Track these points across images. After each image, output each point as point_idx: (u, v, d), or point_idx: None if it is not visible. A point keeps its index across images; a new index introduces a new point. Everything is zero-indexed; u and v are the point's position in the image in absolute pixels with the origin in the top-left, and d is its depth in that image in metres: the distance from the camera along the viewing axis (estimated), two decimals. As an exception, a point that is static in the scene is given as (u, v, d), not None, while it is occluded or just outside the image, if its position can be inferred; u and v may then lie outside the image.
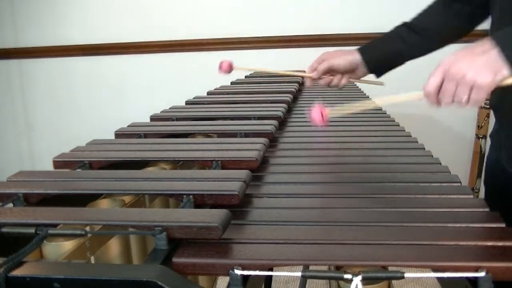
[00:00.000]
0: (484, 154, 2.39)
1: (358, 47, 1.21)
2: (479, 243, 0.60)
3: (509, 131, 0.99)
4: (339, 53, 1.21)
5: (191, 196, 0.73)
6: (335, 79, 1.22)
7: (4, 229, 0.61)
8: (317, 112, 0.88)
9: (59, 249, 0.65)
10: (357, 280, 0.53)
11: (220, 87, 1.92)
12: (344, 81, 1.22)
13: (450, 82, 0.73)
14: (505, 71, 0.71)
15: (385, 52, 1.12)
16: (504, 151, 0.98)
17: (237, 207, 0.73)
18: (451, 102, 0.74)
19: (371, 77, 1.27)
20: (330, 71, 1.21)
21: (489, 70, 0.71)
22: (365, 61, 1.18)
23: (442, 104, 0.76)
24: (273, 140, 1.14)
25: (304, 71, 1.29)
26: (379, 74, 1.21)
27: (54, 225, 0.64)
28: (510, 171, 0.96)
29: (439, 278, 0.57)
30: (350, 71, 1.20)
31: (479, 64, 0.71)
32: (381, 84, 1.23)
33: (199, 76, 2.70)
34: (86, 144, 1.09)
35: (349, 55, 1.19)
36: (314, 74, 1.22)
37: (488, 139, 2.46)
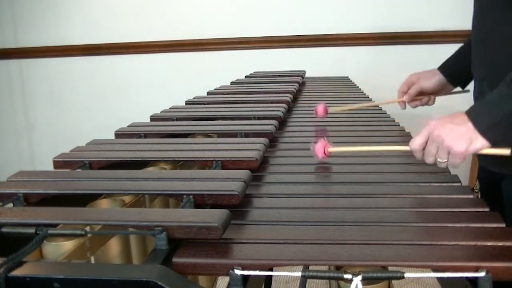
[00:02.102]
0: (484, 154, 2.39)
1: (439, 66, 1.26)
2: (479, 243, 0.60)
3: None
4: (426, 75, 1.26)
5: (191, 196, 0.73)
6: (424, 100, 1.29)
7: (4, 229, 0.61)
8: (320, 147, 0.94)
9: (59, 249, 0.65)
10: (357, 280, 0.53)
11: (220, 87, 1.92)
12: (431, 101, 1.30)
13: (432, 144, 0.81)
14: (478, 142, 0.78)
15: (464, 64, 1.15)
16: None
17: (237, 207, 0.73)
18: (433, 161, 0.82)
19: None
20: (421, 93, 1.27)
21: (464, 139, 0.78)
22: (449, 78, 1.23)
23: (426, 161, 0.83)
24: (273, 140, 1.14)
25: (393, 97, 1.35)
26: (464, 85, 1.25)
27: (54, 225, 0.64)
28: (493, 170, 1.02)
29: (439, 278, 0.57)
30: (439, 91, 1.26)
31: (456, 133, 0.79)
32: (468, 91, 1.26)
33: (199, 76, 2.70)
34: (86, 144, 1.09)
35: (436, 76, 1.24)
36: (405, 98, 1.29)
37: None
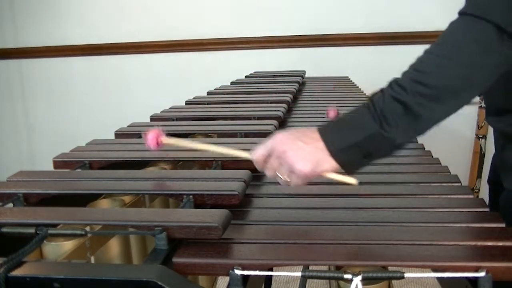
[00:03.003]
0: (484, 154, 2.39)
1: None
2: (479, 243, 0.60)
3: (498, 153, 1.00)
4: None
5: (191, 196, 0.73)
6: None
7: (4, 229, 0.61)
8: (152, 137, 0.86)
9: (59, 249, 0.65)
10: (357, 280, 0.53)
11: (220, 87, 1.92)
12: None
13: (275, 159, 0.74)
14: (326, 165, 0.71)
15: None
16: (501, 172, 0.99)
17: (237, 207, 0.73)
18: (274, 176, 0.75)
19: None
20: None
21: (310, 160, 0.71)
22: None
23: (267, 174, 0.76)
24: (273, 140, 1.14)
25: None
26: None
27: (54, 225, 0.64)
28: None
29: (439, 278, 0.57)
30: None
31: (303, 152, 0.71)
32: None
33: (199, 76, 2.70)
34: (86, 144, 1.09)
35: None
36: None
37: (488, 139, 2.46)
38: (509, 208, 0.89)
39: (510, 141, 0.88)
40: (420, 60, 0.71)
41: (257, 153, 0.75)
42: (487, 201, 0.77)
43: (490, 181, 1.13)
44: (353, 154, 0.71)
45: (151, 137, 0.84)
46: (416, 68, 0.71)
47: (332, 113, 1.26)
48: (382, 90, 0.71)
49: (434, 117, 0.70)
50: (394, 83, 0.70)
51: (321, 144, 0.71)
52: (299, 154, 0.71)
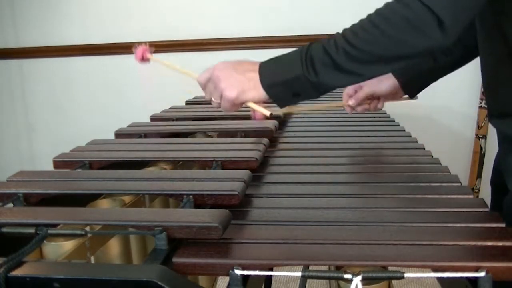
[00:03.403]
0: (484, 154, 2.39)
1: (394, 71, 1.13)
2: (479, 243, 0.60)
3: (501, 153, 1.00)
4: (378, 78, 1.08)
5: (191, 196, 0.73)
6: (373, 104, 1.15)
7: (4, 229, 0.61)
8: (139, 52, 1.00)
9: (59, 249, 0.65)
10: (357, 280, 0.53)
11: (220, 87, 1.92)
12: (381, 105, 1.16)
13: (210, 83, 0.84)
14: (252, 94, 0.81)
15: (418, 72, 1.07)
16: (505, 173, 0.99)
17: (237, 207, 0.73)
18: (209, 99, 0.86)
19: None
20: (370, 97, 1.14)
21: (238, 88, 0.81)
22: (402, 84, 1.12)
23: (206, 97, 0.87)
24: (273, 140, 1.14)
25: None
26: (413, 94, 1.14)
27: (54, 225, 0.64)
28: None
29: (439, 278, 0.57)
30: (390, 96, 1.14)
31: (233, 79, 0.82)
32: (416, 99, 1.16)
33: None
34: (86, 144, 1.09)
35: (390, 80, 1.12)
36: (351, 102, 1.14)
37: (488, 139, 2.45)
38: None
39: None
40: (358, 24, 0.80)
41: (201, 76, 0.86)
42: (488, 203, 0.77)
43: (492, 183, 1.13)
44: (281, 91, 0.80)
45: (138, 51, 0.95)
46: (352, 29, 0.80)
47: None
48: (321, 41, 0.81)
49: (356, 73, 0.78)
50: (332, 38, 0.80)
51: (255, 76, 0.81)
52: (229, 81, 0.82)
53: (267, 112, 0.84)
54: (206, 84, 0.85)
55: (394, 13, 0.75)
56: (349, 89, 1.14)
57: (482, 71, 0.93)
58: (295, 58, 0.79)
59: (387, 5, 0.77)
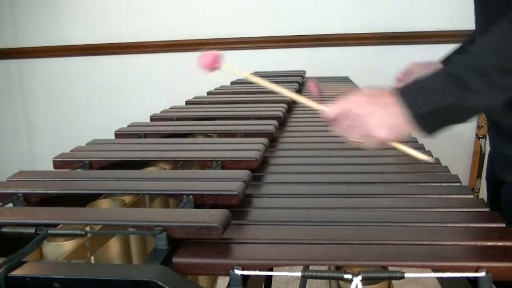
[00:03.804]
0: (484, 154, 2.39)
1: (442, 60, 1.19)
2: (479, 243, 0.60)
3: (492, 144, 1.01)
4: (427, 66, 1.15)
5: (191, 196, 0.73)
6: None
7: (4, 229, 0.61)
8: (210, 59, 0.82)
9: (59, 249, 0.65)
10: (357, 280, 0.53)
11: (220, 87, 1.92)
12: None
13: (349, 120, 0.74)
14: (402, 130, 0.72)
15: None
16: (495, 162, 0.99)
17: (237, 207, 0.73)
18: (343, 135, 0.76)
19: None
20: None
21: (387, 126, 0.72)
22: None
23: (336, 132, 0.77)
24: (273, 140, 1.14)
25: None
26: None
27: (54, 225, 0.64)
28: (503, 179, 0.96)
29: (439, 278, 0.57)
30: None
31: (379, 117, 0.72)
32: None
33: (199, 76, 2.70)
34: (86, 144, 1.09)
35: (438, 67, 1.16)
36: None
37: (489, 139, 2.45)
38: None
39: None
40: (499, 37, 0.72)
41: (330, 111, 0.76)
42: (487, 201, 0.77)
43: (488, 178, 1.13)
44: (433, 119, 0.72)
45: (208, 58, 0.82)
46: (496, 43, 0.71)
47: (313, 86, 1.20)
48: (458, 59, 0.73)
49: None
50: (468, 57, 0.72)
51: (398, 109, 0.72)
52: (375, 120, 0.72)
53: (424, 157, 0.75)
54: (339, 120, 0.75)
55: None
56: (400, 74, 1.19)
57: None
58: (442, 84, 0.72)
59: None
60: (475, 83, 0.69)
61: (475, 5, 0.99)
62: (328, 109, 0.76)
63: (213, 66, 0.79)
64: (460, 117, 0.73)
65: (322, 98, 0.85)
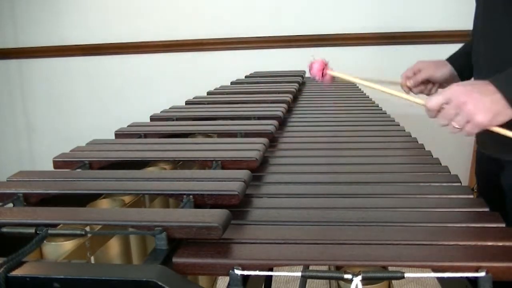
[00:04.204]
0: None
1: (448, 58, 1.24)
2: (479, 243, 0.60)
3: None
4: (436, 64, 1.23)
5: (191, 196, 0.72)
6: (428, 89, 1.25)
7: (4, 229, 0.61)
8: (319, 67, 0.89)
9: (59, 249, 0.65)
10: (357, 280, 0.53)
11: (220, 87, 1.92)
12: (434, 90, 1.25)
13: (452, 108, 0.79)
14: (504, 116, 0.77)
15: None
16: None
17: (237, 207, 0.73)
18: (447, 124, 0.80)
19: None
20: (426, 82, 1.24)
21: (490, 111, 0.76)
22: (458, 71, 1.21)
23: (440, 122, 0.81)
24: (273, 140, 1.14)
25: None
26: (469, 78, 1.22)
27: (54, 225, 0.63)
28: (482, 151, 1.03)
29: (439, 278, 0.57)
30: (446, 82, 1.22)
31: (483, 103, 0.76)
32: None
33: (199, 76, 2.70)
34: (86, 144, 1.09)
35: (447, 67, 1.22)
36: (410, 83, 1.25)
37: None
38: None
39: None
40: None
41: (433, 101, 0.81)
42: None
43: (478, 174, 1.15)
44: None
45: (317, 66, 0.87)
46: None
47: (317, 65, 1.15)
48: None
49: None
50: None
51: (498, 96, 0.76)
52: (479, 105, 0.76)
53: None
54: (442, 110, 0.80)
55: None
56: (408, 72, 1.24)
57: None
58: None
59: None
60: None
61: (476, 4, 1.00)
62: (431, 100, 0.80)
63: (322, 73, 0.87)
64: None
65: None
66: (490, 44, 0.98)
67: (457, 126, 0.79)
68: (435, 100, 0.81)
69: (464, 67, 1.20)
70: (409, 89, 1.26)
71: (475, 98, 0.77)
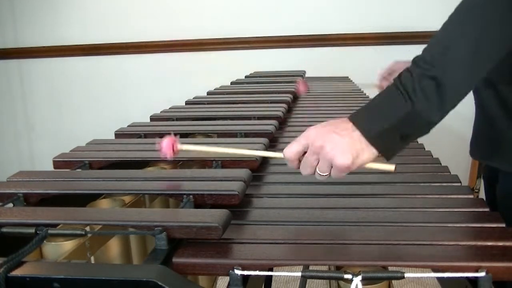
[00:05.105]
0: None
1: None
2: (479, 243, 0.60)
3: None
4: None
5: (191, 196, 0.73)
6: None
7: (4, 229, 0.61)
8: (168, 144, 0.81)
9: (59, 249, 0.65)
10: (357, 280, 0.53)
11: (220, 87, 1.92)
12: None
13: (311, 155, 0.71)
14: (365, 154, 0.69)
15: None
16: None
17: (237, 207, 0.73)
18: (312, 173, 0.72)
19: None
20: None
21: (350, 152, 0.68)
22: None
23: (303, 173, 0.73)
24: (273, 140, 1.14)
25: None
26: None
27: (54, 225, 0.64)
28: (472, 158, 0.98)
29: (439, 278, 0.57)
30: None
31: (341, 144, 0.68)
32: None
33: (199, 76, 2.70)
34: (86, 144, 1.09)
35: None
36: (385, 84, 1.25)
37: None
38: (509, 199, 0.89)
39: None
40: (441, 33, 0.74)
41: (290, 151, 0.72)
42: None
43: (485, 177, 1.14)
44: (390, 138, 0.69)
45: (167, 144, 0.80)
46: (440, 41, 0.72)
47: (301, 85, 1.29)
48: (408, 70, 0.70)
49: (462, 87, 0.70)
50: (420, 61, 0.69)
51: (356, 134, 0.69)
52: (337, 147, 0.68)
53: (391, 167, 0.73)
54: (304, 159, 0.72)
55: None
56: (384, 71, 1.24)
57: None
58: (395, 98, 0.69)
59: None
60: (423, 90, 0.68)
61: None
62: (286, 151, 0.72)
63: (173, 150, 0.80)
64: (418, 130, 0.71)
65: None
66: None
67: (322, 174, 0.71)
68: (291, 149, 0.71)
69: None
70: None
71: (332, 140, 0.69)
